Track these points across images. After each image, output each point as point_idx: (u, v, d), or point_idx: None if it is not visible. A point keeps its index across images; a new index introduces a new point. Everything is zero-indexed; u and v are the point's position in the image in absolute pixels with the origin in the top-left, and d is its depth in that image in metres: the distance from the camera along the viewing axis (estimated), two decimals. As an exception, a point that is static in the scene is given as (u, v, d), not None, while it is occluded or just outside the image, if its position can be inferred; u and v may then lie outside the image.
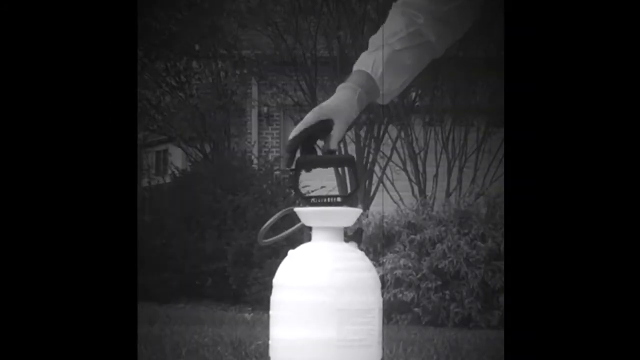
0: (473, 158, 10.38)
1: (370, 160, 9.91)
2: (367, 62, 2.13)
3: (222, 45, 10.44)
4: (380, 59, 2.13)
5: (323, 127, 2.01)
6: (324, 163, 2.07)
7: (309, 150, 2.04)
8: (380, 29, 2.17)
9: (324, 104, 2.03)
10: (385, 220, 7.49)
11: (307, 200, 2.02)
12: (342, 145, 7.96)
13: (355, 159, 2.47)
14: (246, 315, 7.23)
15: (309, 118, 2.00)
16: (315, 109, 2.01)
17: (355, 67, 2.13)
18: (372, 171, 9.96)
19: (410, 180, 10.12)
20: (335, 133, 2.01)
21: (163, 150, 13.07)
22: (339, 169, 7.97)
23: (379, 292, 2.00)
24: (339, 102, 2.05)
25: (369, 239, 7.46)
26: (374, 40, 2.15)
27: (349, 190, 2.11)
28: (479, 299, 7.11)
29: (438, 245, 7.34)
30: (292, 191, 2.18)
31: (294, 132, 1.98)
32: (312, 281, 1.93)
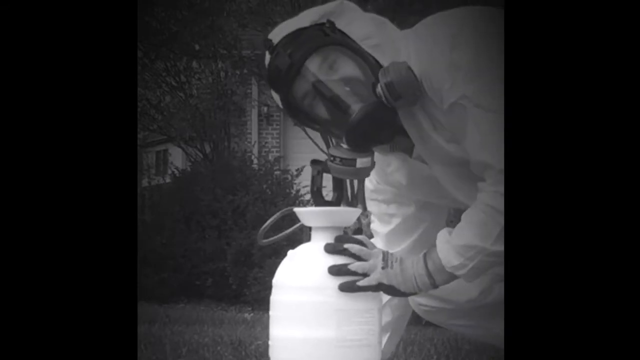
0: (473, 158, 10.36)
1: (370, 160, 9.88)
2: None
3: (222, 45, 10.42)
4: None
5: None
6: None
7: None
8: None
9: None
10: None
11: (325, 204, 2.03)
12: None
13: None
14: (246, 315, 7.21)
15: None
16: None
17: None
18: (372, 171, 9.94)
19: (410, 180, 10.09)
20: None
21: (163, 150, 13.07)
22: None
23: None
24: None
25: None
26: None
27: (349, 192, 2.11)
28: (479, 299, 7.09)
29: (438, 245, 7.29)
30: (312, 195, 2.23)
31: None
32: (311, 281, 1.93)
